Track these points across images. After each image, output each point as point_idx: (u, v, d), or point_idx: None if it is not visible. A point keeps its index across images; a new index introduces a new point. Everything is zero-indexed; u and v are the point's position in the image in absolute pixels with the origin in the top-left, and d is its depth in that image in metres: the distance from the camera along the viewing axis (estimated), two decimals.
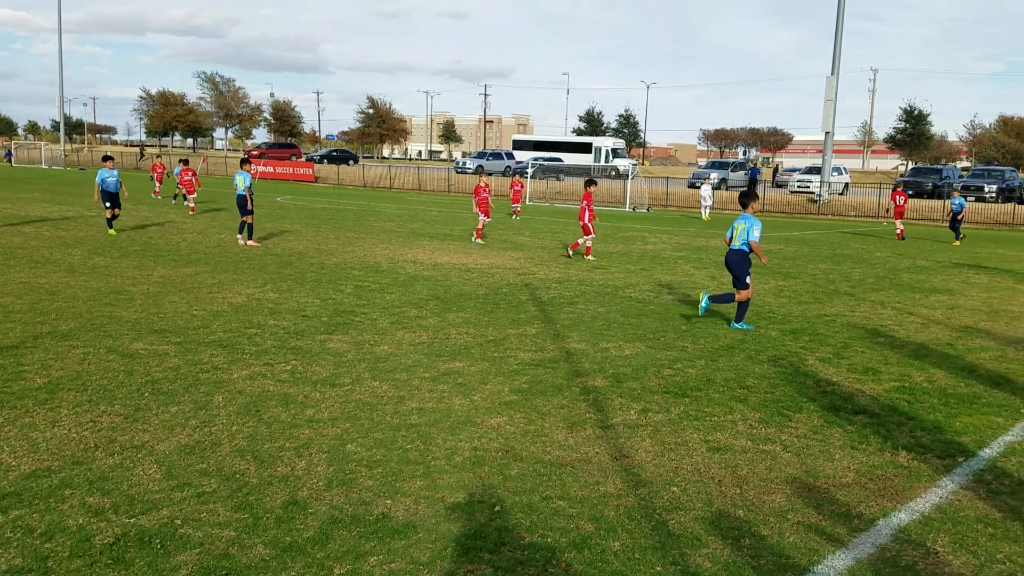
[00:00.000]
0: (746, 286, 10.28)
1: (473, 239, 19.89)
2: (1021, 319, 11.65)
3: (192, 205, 25.25)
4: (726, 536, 4.57)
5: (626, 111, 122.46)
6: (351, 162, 73.01)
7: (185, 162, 27.03)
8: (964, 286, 14.99)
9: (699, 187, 36.67)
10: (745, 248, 10.30)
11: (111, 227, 18.43)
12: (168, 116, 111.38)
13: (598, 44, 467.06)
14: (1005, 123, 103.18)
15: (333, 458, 5.50)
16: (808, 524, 4.76)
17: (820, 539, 4.58)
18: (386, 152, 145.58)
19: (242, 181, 17.38)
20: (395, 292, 12.03)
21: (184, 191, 26.02)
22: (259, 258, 15.16)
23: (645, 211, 37.71)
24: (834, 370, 8.37)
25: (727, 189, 49.95)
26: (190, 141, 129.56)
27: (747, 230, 10.25)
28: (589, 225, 17.19)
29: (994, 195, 42.63)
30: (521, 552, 4.30)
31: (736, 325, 10.34)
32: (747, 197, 10.72)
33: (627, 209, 37.79)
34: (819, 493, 5.23)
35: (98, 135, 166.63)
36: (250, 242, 17.11)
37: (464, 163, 67.00)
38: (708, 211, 33.59)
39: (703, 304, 10.53)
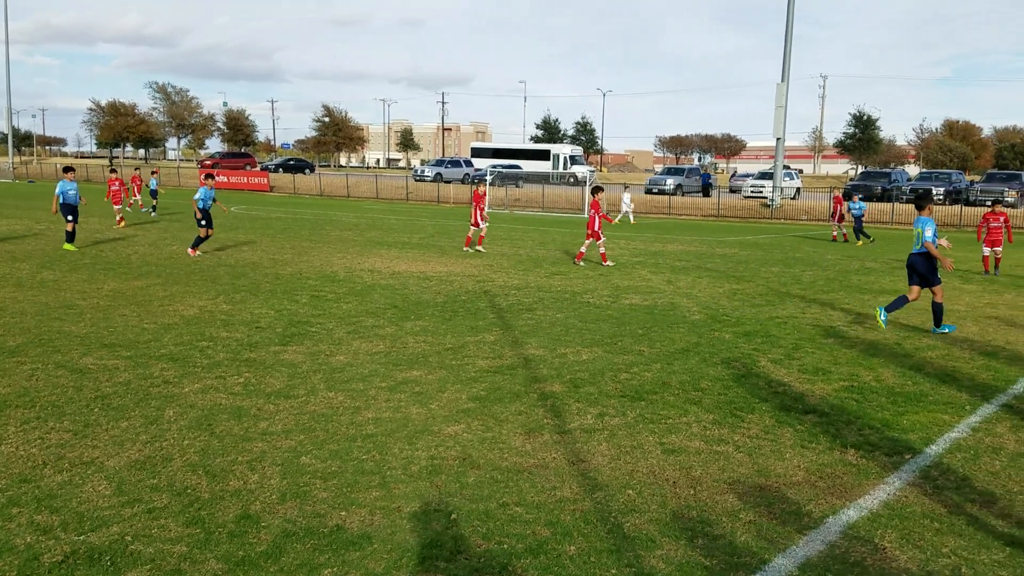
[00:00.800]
0: (939, 282, 10.79)
1: (476, 248, 19.76)
2: (967, 319, 11.95)
3: (120, 218, 23.42)
4: (680, 537, 4.62)
5: (583, 118, 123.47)
6: (307, 171, 72.38)
7: (113, 171, 26.01)
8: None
9: (655, 192, 37.20)
10: (924, 250, 10.75)
11: (71, 241, 17.53)
12: (119, 127, 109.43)
13: (553, 51, 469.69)
14: (951, 127, 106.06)
15: (287, 471, 5.45)
16: (760, 523, 4.84)
17: (771, 537, 4.66)
18: (343, 161, 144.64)
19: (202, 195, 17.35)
20: (352, 301, 11.96)
21: (111, 202, 24.10)
22: (212, 269, 14.96)
23: None
24: (785, 371, 8.51)
25: (683, 195, 50.49)
26: (142, 152, 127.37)
27: (922, 232, 10.69)
28: (599, 232, 17.47)
29: (941, 198, 43.67)
30: (477, 560, 4.30)
31: (938, 330, 10.79)
32: (922, 199, 11.19)
33: (585, 215, 37.99)
34: (771, 492, 5.32)
35: (48, 147, 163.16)
36: (193, 251, 16.87)
37: (423, 171, 66.83)
38: (632, 216, 34.13)
39: (882, 319, 11.00)
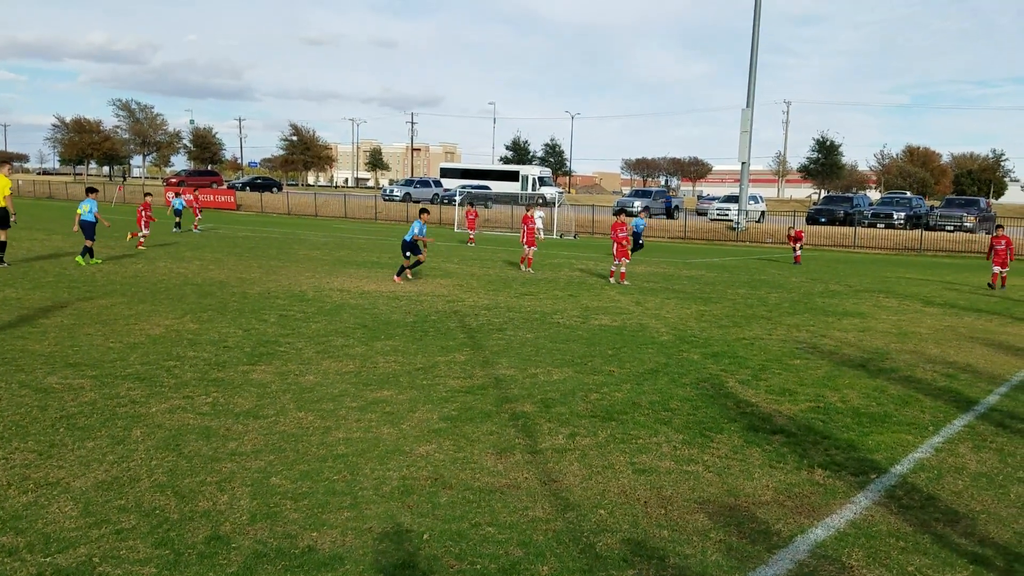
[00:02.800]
0: None
1: (523, 269, 20.85)
2: (929, 340, 12.20)
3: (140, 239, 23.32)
4: (651, 556, 4.65)
5: (552, 140, 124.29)
6: (275, 189, 71.95)
7: (148, 194, 26.01)
8: (875, 309, 15.62)
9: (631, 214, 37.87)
10: None
11: (91, 257, 17.93)
12: (83, 144, 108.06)
13: (523, 74, 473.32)
14: (911, 153, 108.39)
15: (257, 491, 5.40)
16: (730, 542, 4.89)
17: (741, 557, 4.71)
18: (311, 180, 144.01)
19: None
20: (321, 321, 11.90)
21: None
22: (178, 288, 14.80)
23: (572, 238, 38.19)
24: (753, 392, 8.61)
25: (650, 216, 50.98)
26: (106, 169, 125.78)
27: None
28: (624, 250, 18.28)
29: (902, 222, 44.56)
30: None
31: None
32: None
33: (554, 236, 38.22)
34: (740, 511, 5.37)
35: (10, 163, 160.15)
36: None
37: (392, 191, 66.79)
38: (542, 232, 34.69)
39: None
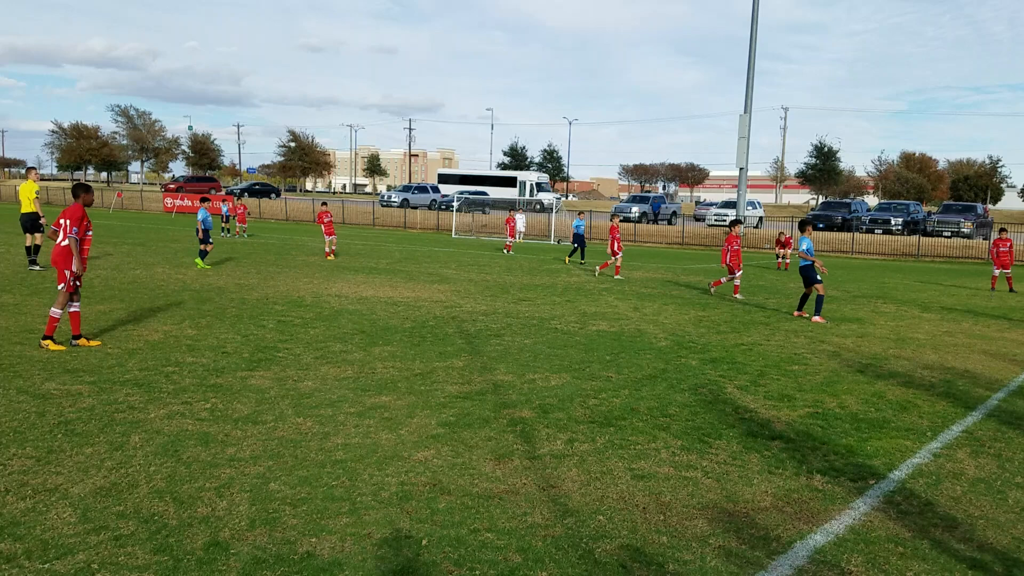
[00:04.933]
0: (819, 282, 14.11)
1: (597, 272, 22.14)
2: (927, 346, 12.21)
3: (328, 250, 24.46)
4: (650, 563, 4.65)
5: (550, 146, 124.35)
6: (273, 195, 71.98)
7: (324, 204, 27.79)
8: (873, 315, 15.64)
9: (620, 220, 38.35)
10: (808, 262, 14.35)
11: (200, 259, 19.92)
12: (81, 150, 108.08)
13: (522, 81, 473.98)
14: (907, 159, 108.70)
15: (255, 497, 5.39)
16: (728, 548, 4.89)
17: (740, 563, 4.71)
18: (309, 186, 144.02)
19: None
20: (319, 327, 11.89)
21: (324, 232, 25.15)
22: (176, 294, 14.80)
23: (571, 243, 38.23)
24: (751, 397, 8.62)
25: (648, 223, 51.03)
26: (104, 175, 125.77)
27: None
28: (733, 264, 18.05)
29: (900, 227, 44.64)
30: None
31: (816, 316, 14.05)
32: (802, 224, 14.46)
33: (552, 242, 38.26)
34: (739, 517, 5.37)
35: (7, 168, 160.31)
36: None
37: (389, 196, 66.80)
38: (520, 236, 37.57)
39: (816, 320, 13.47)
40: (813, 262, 14.58)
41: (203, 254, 20.14)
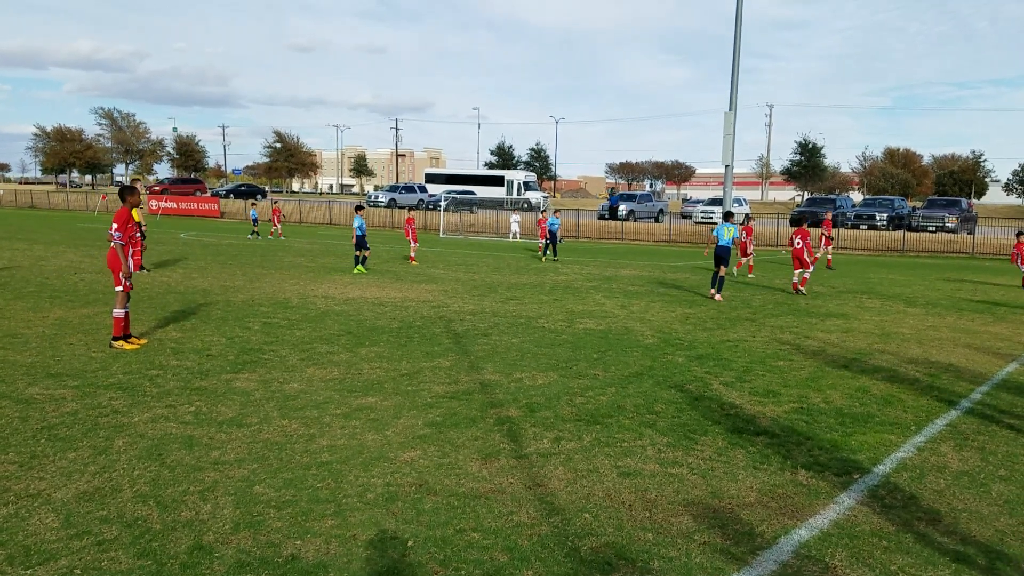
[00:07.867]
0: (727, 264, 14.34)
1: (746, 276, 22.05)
2: (911, 341, 12.28)
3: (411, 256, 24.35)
4: (636, 560, 4.66)
5: (537, 145, 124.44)
6: (259, 197, 71.67)
7: (411, 208, 28.83)
8: (858, 310, 15.72)
9: (607, 218, 38.67)
10: (729, 243, 15.94)
11: (361, 264, 20.81)
12: (65, 153, 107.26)
13: (508, 79, 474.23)
14: (892, 155, 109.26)
15: (240, 500, 5.37)
16: (714, 544, 4.90)
17: (725, 558, 4.72)
18: (295, 186, 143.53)
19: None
20: (305, 328, 11.85)
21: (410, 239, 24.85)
22: (160, 296, 14.71)
23: (559, 243, 38.25)
24: (737, 393, 8.65)
25: (636, 220, 51.08)
26: (88, 178, 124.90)
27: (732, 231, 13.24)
28: (806, 259, 18.29)
29: (885, 223, 44.85)
30: None
31: (718, 294, 14.74)
32: (727, 215, 15.18)
33: (541, 241, 38.24)
34: (724, 513, 5.39)
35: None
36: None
37: (376, 196, 66.64)
38: (518, 236, 38.36)
39: (717, 297, 14.28)
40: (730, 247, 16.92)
41: (362, 260, 20.91)
